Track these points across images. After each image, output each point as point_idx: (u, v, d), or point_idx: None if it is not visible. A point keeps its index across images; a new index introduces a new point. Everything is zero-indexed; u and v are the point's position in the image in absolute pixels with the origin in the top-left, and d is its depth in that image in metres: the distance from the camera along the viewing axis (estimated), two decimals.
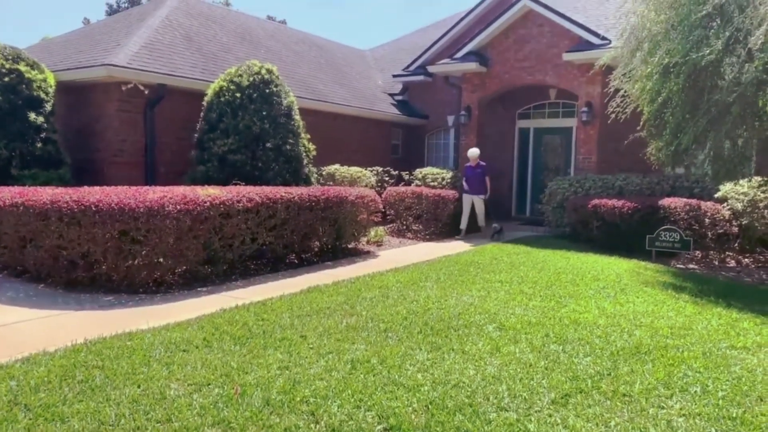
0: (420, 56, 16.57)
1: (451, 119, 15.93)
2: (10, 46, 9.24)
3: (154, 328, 4.89)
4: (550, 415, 3.38)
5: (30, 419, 3.17)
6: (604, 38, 11.86)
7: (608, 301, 6.14)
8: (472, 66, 13.58)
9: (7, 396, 3.44)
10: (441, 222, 11.34)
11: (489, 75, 13.80)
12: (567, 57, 12.35)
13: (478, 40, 13.68)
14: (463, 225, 11.66)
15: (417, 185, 12.54)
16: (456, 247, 10.18)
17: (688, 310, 5.91)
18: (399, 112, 16.34)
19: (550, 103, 14.87)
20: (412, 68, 16.69)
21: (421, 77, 16.39)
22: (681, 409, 3.52)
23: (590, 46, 12.06)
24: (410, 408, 3.41)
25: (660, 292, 6.76)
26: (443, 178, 12.41)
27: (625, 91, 8.72)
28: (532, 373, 3.99)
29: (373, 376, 3.89)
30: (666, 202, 9.59)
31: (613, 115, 9.05)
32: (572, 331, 5.00)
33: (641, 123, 8.63)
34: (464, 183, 11.80)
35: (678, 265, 9.03)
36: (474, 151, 11.81)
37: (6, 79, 8.57)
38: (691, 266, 9.07)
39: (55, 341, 4.50)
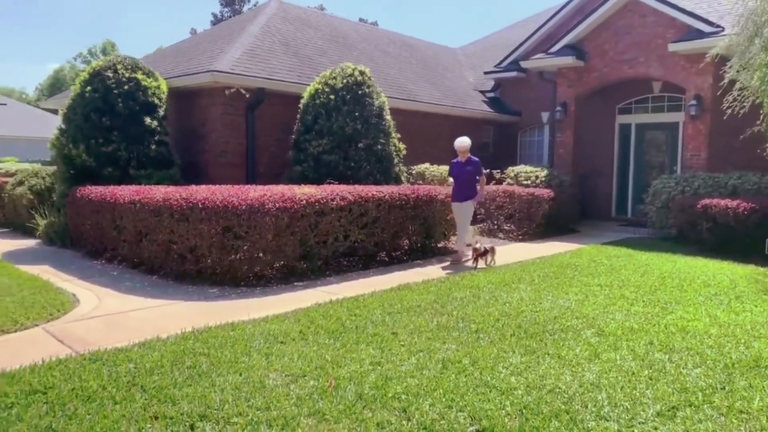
0: (513, 52, 16.18)
1: (545, 116, 15.41)
2: (129, 56, 10.08)
3: (255, 319, 5.14)
4: (656, 428, 3.17)
5: (145, 399, 3.45)
6: (716, 26, 10.98)
7: (721, 309, 5.67)
8: (569, 60, 13.07)
9: (126, 377, 3.76)
10: (535, 222, 11.00)
11: (586, 69, 13.21)
12: (673, 47, 11.55)
13: (574, 33, 13.14)
14: (460, 245, 8.56)
15: (509, 184, 12.26)
16: (551, 248, 9.84)
17: None
18: (490, 110, 16.05)
19: (653, 97, 13.97)
20: (504, 64, 16.34)
21: (513, 73, 16.00)
22: None
23: (700, 34, 11.20)
24: (503, 411, 3.34)
25: None
26: (537, 177, 12.04)
27: (742, 83, 8.02)
28: (634, 382, 3.78)
29: (465, 376, 3.85)
30: None
31: (729, 110, 8.34)
32: (679, 339, 4.67)
33: (761, 117, 7.89)
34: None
35: None
36: (463, 141, 8.53)
37: (126, 87, 9.35)
38: None
39: (167, 328, 4.86)
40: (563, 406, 3.40)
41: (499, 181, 12.70)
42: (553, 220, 11.35)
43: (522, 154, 16.61)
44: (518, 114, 16.44)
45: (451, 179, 8.54)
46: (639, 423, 3.23)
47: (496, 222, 11.46)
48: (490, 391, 3.60)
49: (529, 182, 11.98)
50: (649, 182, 11.94)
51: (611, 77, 12.97)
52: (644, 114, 14.22)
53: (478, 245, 7.89)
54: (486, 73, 16.98)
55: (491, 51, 18.41)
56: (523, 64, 14.52)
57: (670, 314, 5.45)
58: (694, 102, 11.45)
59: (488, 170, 13.13)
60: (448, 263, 8.24)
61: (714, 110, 11.05)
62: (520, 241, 10.75)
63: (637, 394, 3.60)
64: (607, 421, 3.25)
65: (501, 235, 11.19)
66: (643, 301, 5.95)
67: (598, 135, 14.62)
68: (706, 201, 9.39)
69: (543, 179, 11.97)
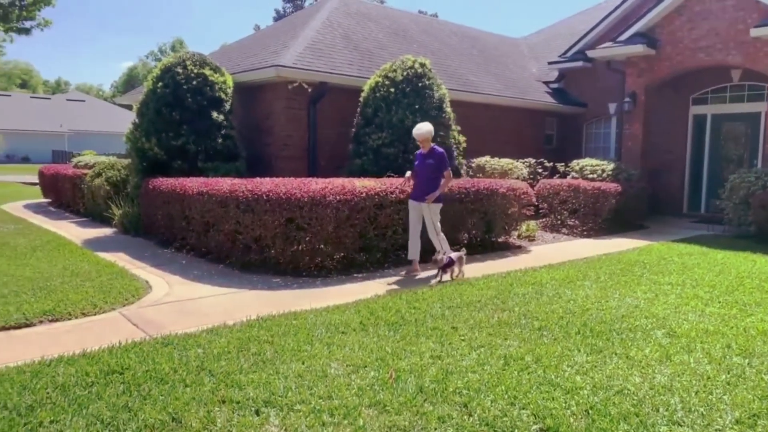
0: (578, 41, 15.64)
1: (613, 107, 14.82)
2: (197, 53, 10.43)
3: (316, 309, 5.23)
4: None
5: (213, 384, 3.57)
6: None
7: None
8: (639, 48, 12.49)
9: (195, 362, 3.91)
10: (600, 217, 10.62)
11: (658, 58, 12.59)
12: (756, 33, 10.83)
13: (645, 20, 12.54)
14: (413, 253, 7.11)
15: (573, 177, 11.87)
16: (618, 244, 9.47)
17: None
18: (554, 101, 15.60)
19: (732, 86, 13.17)
20: (569, 54, 15.82)
21: (579, 63, 15.47)
22: None
23: None
24: (568, 411, 3.25)
25: None
26: (603, 170, 11.60)
27: None
28: (710, 387, 3.58)
29: (528, 374, 3.77)
30: None
31: None
32: (760, 343, 4.39)
33: None
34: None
35: None
36: (420, 129, 6.99)
37: (194, 82, 9.69)
38: None
39: (233, 316, 5.03)
40: (632, 409, 3.28)
41: (563, 175, 12.33)
42: (620, 216, 10.92)
43: (587, 147, 16.06)
44: (584, 105, 15.89)
45: (408, 173, 7.17)
46: (715, 430, 3.06)
47: (559, 217, 11.15)
48: (554, 390, 3.52)
49: (594, 176, 11.56)
50: (726, 176, 11.29)
51: (685, 66, 12.31)
52: (721, 104, 13.43)
53: (440, 256, 6.62)
54: (550, 63, 16.50)
55: (555, 41, 17.87)
56: (590, 53, 14.01)
57: (749, 316, 5.14)
58: None
59: (551, 163, 12.82)
60: (401, 276, 6.88)
61: None
62: (585, 236, 10.41)
63: (714, 399, 3.42)
64: (681, 426, 3.10)
65: (564, 230, 10.88)
66: (719, 302, 5.64)
67: (669, 127, 13.93)
68: None
69: (609, 173, 11.52)
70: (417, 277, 6.86)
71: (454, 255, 6.71)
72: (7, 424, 3.03)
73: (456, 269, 6.73)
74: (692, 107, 13.85)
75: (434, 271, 6.76)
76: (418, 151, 7.26)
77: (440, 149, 7.10)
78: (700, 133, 13.78)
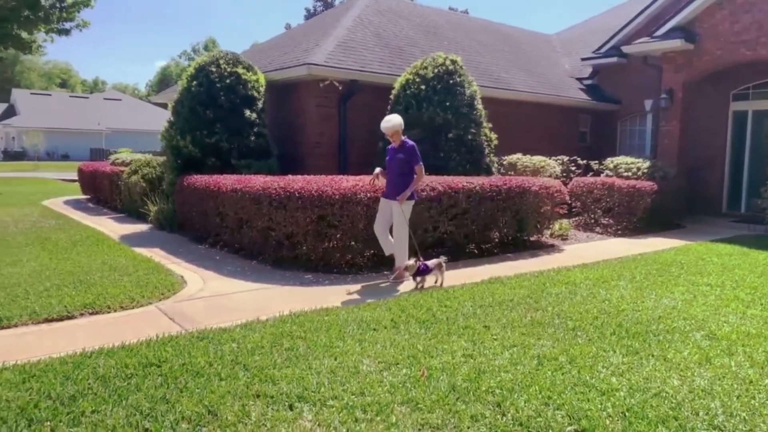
0: (613, 37, 15.32)
1: (648, 104, 14.46)
2: (231, 52, 10.57)
3: (348, 306, 5.26)
4: None
5: (248, 378, 3.63)
6: None
7: None
8: (677, 43, 12.16)
9: (230, 356, 3.97)
10: (635, 216, 10.40)
11: (696, 53, 12.24)
12: None
13: (684, 14, 12.19)
14: (388, 248, 6.66)
15: (607, 176, 11.64)
16: (654, 244, 9.26)
17: None
18: (587, 98, 15.33)
19: None
20: (603, 50, 15.51)
21: (614, 59, 15.15)
22: None
23: None
24: (604, 413, 3.20)
25: None
26: (638, 168, 11.34)
27: None
28: (752, 391, 3.48)
29: (562, 374, 3.72)
30: None
31: None
32: None
33: None
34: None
35: None
36: (389, 121, 6.50)
37: (227, 81, 9.83)
38: None
39: (266, 311, 5.09)
40: (671, 412, 3.20)
41: (597, 173, 12.11)
42: (656, 215, 10.67)
43: (622, 144, 15.73)
44: (618, 102, 15.58)
45: (378, 170, 6.59)
46: None
47: (593, 215, 10.96)
48: (589, 391, 3.46)
49: (629, 174, 11.31)
50: None
51: (726, 61, 11.94)
52: (764, 100, 12.99)
53: (412, 261, 6.11)
54: (583, 59, 16.21)
55: (588, 36, 17.55)
56: (625, 49, 13.69)
57: None
58: None
59: (584, 161, 12.60)
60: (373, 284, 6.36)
61: None
62: (619, 236, 10.21)
63: (756, 404, 3.32)
64: (722, 431, 3.02)
65: (598, 229, 10.69)
66: (762, 304, 5.46)
67: (708, 123, 13.55)
68: None
69: (645, 171, 11.26)
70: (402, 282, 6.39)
71: (431, 262, 6.23)
72: (51, 413, 3.13)
73: (432, 278, 6.24)
74: (732, 103, 13.44)
75: (432, 278, 6.24)
76: (389, 146, 6.71)
77: (411, 142, 6.50)
78: (741, 130, 13.36)
